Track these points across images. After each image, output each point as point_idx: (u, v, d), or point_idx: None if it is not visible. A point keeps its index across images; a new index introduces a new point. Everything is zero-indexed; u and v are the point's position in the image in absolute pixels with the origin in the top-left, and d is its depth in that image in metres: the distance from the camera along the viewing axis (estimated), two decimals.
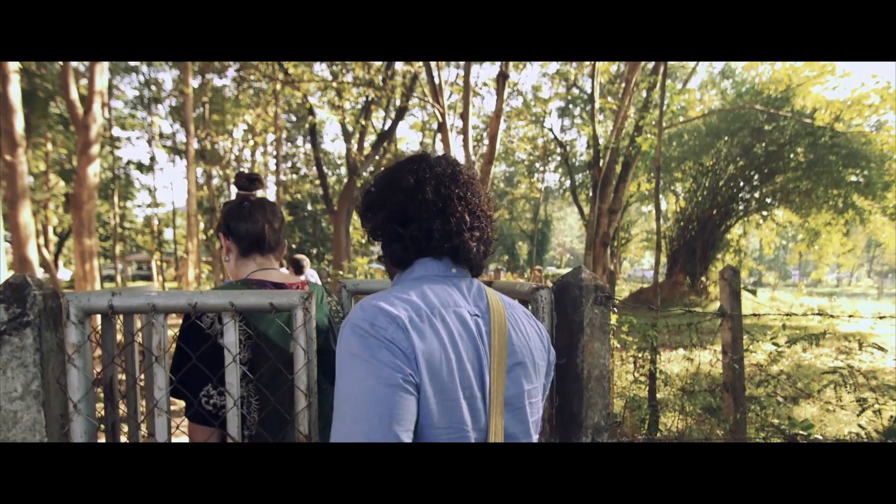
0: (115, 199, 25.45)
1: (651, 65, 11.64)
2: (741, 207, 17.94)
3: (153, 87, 26.25)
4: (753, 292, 2.78)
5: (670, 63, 14.46)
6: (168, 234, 34.99)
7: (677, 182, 18.80)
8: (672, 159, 16.84)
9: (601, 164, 11.63)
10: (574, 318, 1.21)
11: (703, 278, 17.73)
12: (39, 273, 28.49)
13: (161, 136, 27.88)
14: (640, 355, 4.08)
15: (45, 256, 23.94)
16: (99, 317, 1.17)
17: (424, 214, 0.99)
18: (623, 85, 15.89)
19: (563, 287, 1.24)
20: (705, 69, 20.01)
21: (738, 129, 15.80)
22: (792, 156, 15.77)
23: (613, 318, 4.56)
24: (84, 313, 1.03)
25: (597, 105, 11.64)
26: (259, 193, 1.52)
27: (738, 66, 17.86)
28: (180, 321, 1.23)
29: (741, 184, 17.56)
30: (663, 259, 22.62)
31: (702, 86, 20.63)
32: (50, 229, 24.32)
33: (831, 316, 2.81)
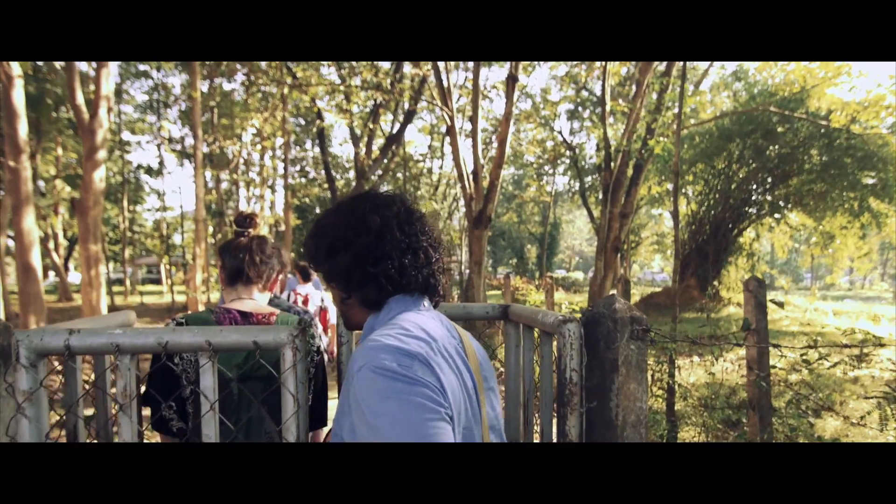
0: (125, 202, 25.50)
1: (663, 66, 11.45)
2: (753, 210, 17.65)
3: (163, 92, 26.32)
4: (781, 305, 2.61)
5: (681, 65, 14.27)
6: (177, 237, 35.04)
7: (688, 185, 18.53)
8: (683, 162, 16.59)
9: (612, 167, 11.42)
10: (607, 356, 1.05)
11: (716, 282, 17.46)
12: (51, 277, 28.63)
13: (170, 140, 27.93)
14: (657, 368, 3.90)
15: (56, 261, 23.99)
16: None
17: (395, 252, 0.99)
18: (633, 87, 15.71)
19: (594, 319, 1.08)
20: (716, 71, 19.75)
21: (751, 132, 15.56)
22: (806, 158, 15.50)
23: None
24: (37, 355, 0.88)
25: (607, 107, 11.44)
26: (255, 231, 1.72)
27: (751, 67, 17.61)
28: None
29: (754, 186, 17.31)
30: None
31: (713, 88, 20.37)
32: (60, 233, 24.41)
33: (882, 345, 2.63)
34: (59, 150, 22.95)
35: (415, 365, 0.83)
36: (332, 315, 5.47)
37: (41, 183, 22.10)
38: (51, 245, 23.43)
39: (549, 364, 1.18)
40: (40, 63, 17.19)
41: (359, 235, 0.99)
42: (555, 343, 1.11)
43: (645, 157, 11.12)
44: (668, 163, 15.45)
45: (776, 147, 15.82)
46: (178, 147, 27.97)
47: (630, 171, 12.11)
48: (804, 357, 2.68)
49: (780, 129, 15.29)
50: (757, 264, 18.24)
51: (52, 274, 27.31)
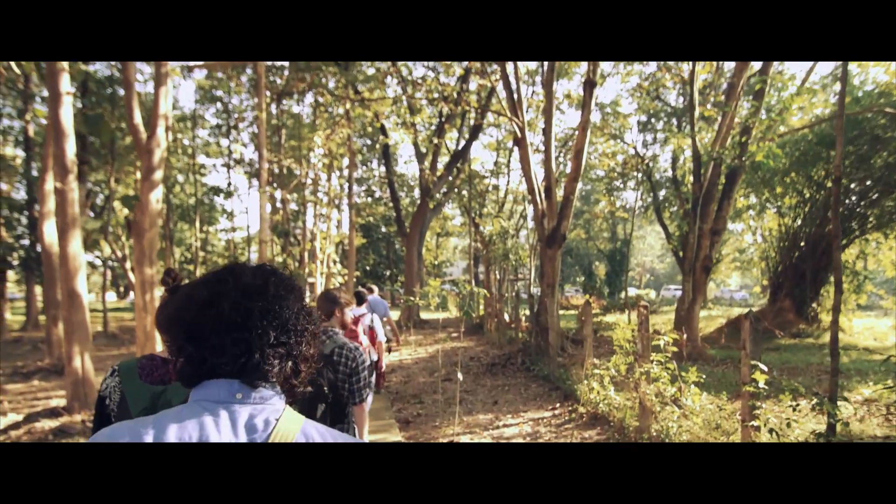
0: (197, 223, 26.17)
1: (758, 66, 10.31)
2: (855, 225, 15.78)
3: (235, 115, 27.05)
4: None
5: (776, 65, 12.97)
6: (252, 256, 35.87)
7: (779, 197, 16.83)
8: (772, 172, 15.01)
9: (702, 178, 10.28)
10: None
11: (815, 305, 15.74)
12: (131, 296, 29.60)
13: (241, 161, 28.63)
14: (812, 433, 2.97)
15: (132, 279, 24.94)
16: None
17: (219, 330, 0.88)
18: (713, 92, 14.45)
19: None
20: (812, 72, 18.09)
21: (855, 138, 13.97)
22: None
23: (761, 379, 3.49)
24: None
25: (696, 112, 10.35)
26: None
27: (854, 66, 15.93)
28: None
29: (856, 198, 15.56)
30: (765, 282, 20.50)
31: (806, 90, 18.66)
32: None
33: None
34: (138, 174, 23.80)
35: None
36: (380, 333, 6.12)
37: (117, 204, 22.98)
38: (127, 265, 24.24)
39: None
40: (119, 91, 17.79)
41: (188, 309, 0.91)
42: None
43: (745, 163, 9.83)
44: (758, 172, 14.10)
45: (884, 154, 14.13)
46: (248, 169, 28.67)
47: (721, 184, 10.90)
48: None
49: (889, 134, 13.63)
50: (863, 284, 16.36)
51: (122, 291, 28.34)
